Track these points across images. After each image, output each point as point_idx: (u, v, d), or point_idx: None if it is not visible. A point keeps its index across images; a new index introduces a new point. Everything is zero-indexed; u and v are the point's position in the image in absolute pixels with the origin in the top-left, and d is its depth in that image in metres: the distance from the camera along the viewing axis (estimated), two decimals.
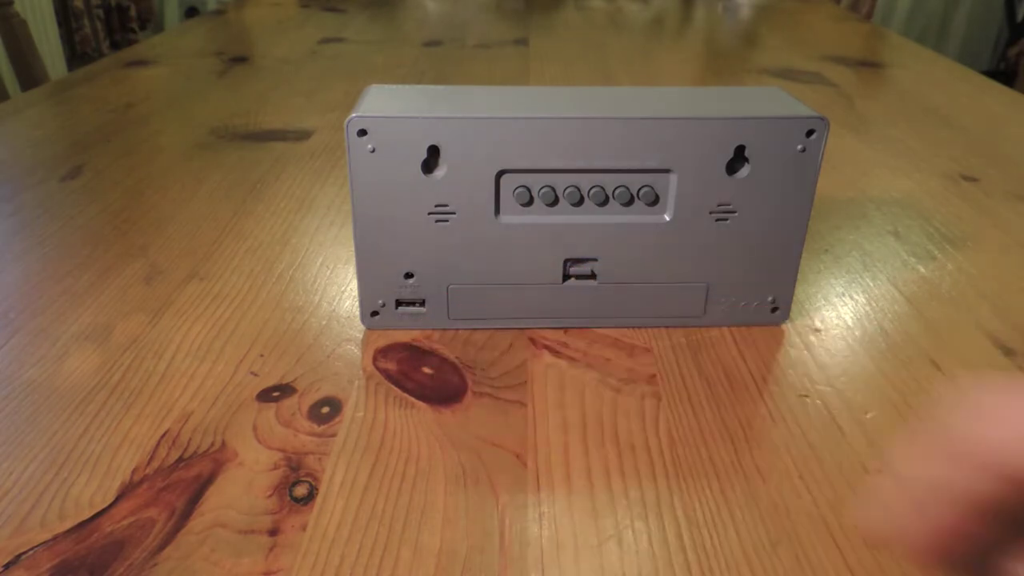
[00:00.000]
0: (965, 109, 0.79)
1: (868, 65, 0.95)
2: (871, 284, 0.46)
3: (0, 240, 0.50)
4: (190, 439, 0.33)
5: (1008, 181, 0.61)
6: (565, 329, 0.40)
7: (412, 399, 0.35)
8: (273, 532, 0.28)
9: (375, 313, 0.40)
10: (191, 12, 3.09)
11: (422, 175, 0.36)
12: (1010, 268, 0.48)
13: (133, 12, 2.91)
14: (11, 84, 1.33)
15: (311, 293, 0.44)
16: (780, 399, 0.36)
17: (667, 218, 0.38)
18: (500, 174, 0.37)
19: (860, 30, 1.17)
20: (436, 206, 0.37)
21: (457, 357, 0.38)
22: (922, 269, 0.48)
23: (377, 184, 0.37)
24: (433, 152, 0.36)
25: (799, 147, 0.37)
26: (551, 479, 0.31)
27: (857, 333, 0.41)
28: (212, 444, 0.32)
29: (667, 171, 0.37)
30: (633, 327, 0.41)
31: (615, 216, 0.38)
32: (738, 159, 0.37)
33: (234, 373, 0.37)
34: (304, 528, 0.28)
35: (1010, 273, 0.47)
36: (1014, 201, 0.57)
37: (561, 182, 0.37)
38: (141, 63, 0.93)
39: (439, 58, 0.97)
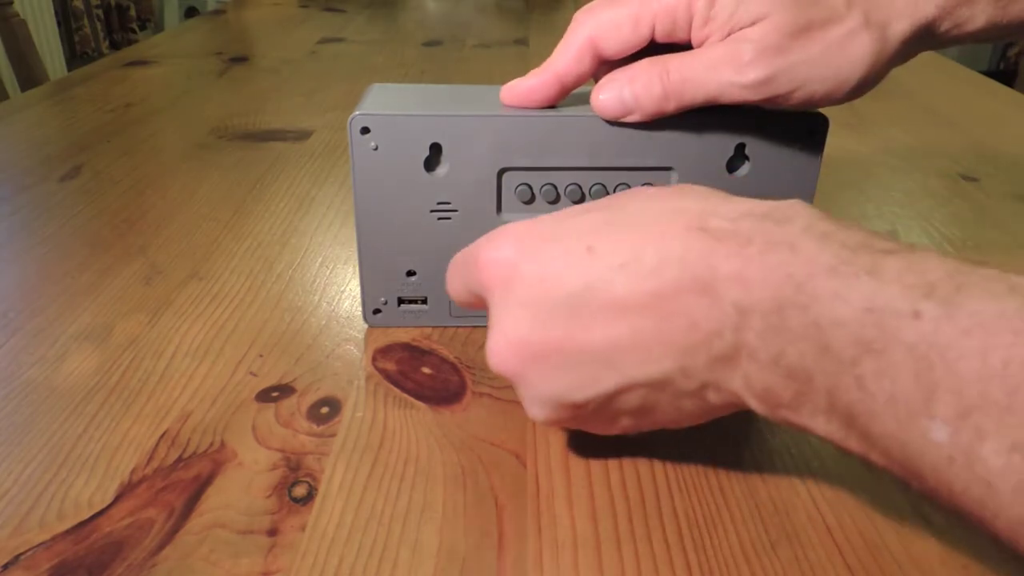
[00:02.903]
0: (965, 109, 0.79)
1: None
2: None
3: (0, 240, 0.50)
4: (189, 439, 0.33)
5: (1008, 181, 0.61)
6: None
7: (411, 399, 0.35)
8: (272, 532, 0.28)
9: (377, 311, 0.40)
10: (191, 12, 3.09)
11: (424, 173, 0.36)
12: (1010, 268, 0.48)
13: (133, 12, 2.91)
14: (11, 84, 1.33)
15: (310, 293, 0.44)
16: None
17: None
18: (502, 172, 0.37)
19: None
20: (438, 204, 0.37)
21: (457, 357, 0.38)
22: None
23: (379, 182, 0.37)
24: (435, 150, 0.36)
25: (799, 145, 0.37)
26: (550, 479, 0.31)
27: None
28: (211, 444, 0.32)
29: (668, 169, 0.37)
30: None
31: None
32: (738, 157, 0.37)
33: (233, 373, 0.37)
34: (303, 528, 0.28)
35: None
36: (1014, 201, 0.57)
37: (562, 180, 0.37)
38: (141, 63, 0.93)
39: (439, 58, 0.97)
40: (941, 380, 0.19)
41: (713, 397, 0.26)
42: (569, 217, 0.28)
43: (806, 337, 0.22)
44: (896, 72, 0.37)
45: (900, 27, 0.33)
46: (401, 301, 0.40)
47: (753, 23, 0.32)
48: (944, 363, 0.19)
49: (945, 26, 0.34)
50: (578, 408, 0.28)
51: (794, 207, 0.25)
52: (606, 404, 0.27)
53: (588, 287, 0.26)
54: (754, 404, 0.25)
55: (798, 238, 0.23)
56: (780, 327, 0.23)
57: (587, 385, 0.27)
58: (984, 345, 0.19)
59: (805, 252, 0.23)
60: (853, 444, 0.23)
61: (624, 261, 0.25)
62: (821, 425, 0.23)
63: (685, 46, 0.34)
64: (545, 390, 0.28)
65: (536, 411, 0.29)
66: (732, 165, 0.37)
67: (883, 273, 0.21)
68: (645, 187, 0.29)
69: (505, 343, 0.28)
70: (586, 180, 0.37)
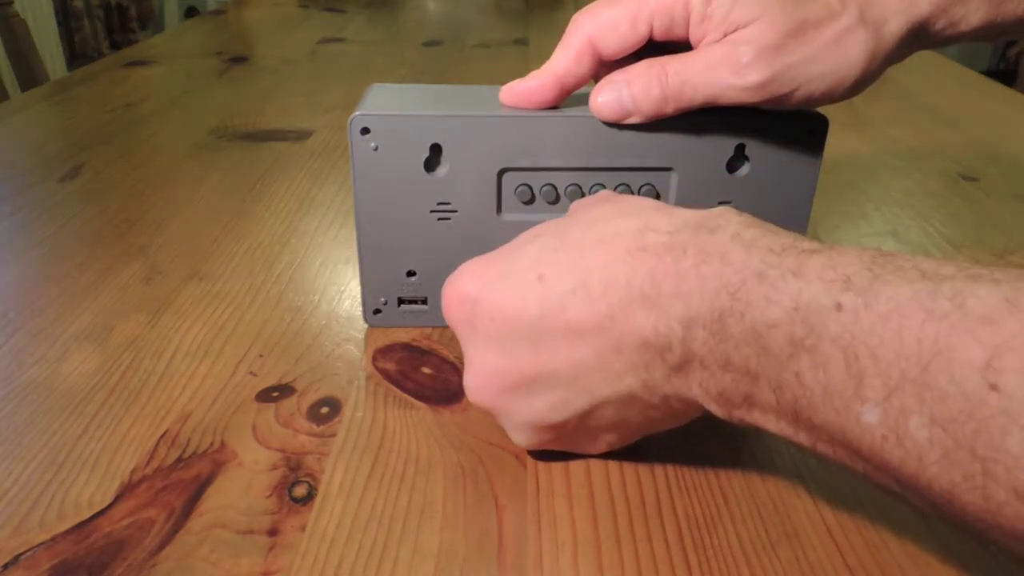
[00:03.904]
0: (965, 109, 0.79)
1: None
2: None
3: (0, 240, 0.50)
4: (189, 439, 0.33)
5: (1008, 181, 0.61)
6: None
7: (411, 399, 0.35)
8: (272, 532, 0.28)
9: (377, 311, 0.40)
10: (191, 12, 3.09)
11: (424, 173, 0.36)
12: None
13: (133, 12, 2.91)
14: (11, 84, 1.33)
15: (310, 293, 0.44)
16: None
17: None
18: (502, 172, 0.37)
19: None
20: (438, 204, 0.37)
21: (457, 357, 0.38)
22: None
23: (379, 182, 0.37)
24: (435, 150, 0.36)
25: (799, 146, 0.37)
26: (550, 479, 0.31)
27: None
28: (211, 444, 0.32)
29: (668, 169, 0.37)
30: None
31: None
32: (738, 157, 0.37)
33: (233, 373, 0.37)
34: (303, 528, 0.28)
35: None
36: (1014, 201, 0.57)
37: (562, 180, 0.37)
38: (141, 63, 0.93)
39: (439, 58, 0.97)
40: (867, 366, 0.21)
41: (677, 405, 0.27)
42: (519, 247, 0.30)
43: (747, 342, 0.23)
44: (896, 72, 0.37)
45: (895, 24, 0.33)
46: (401, 301, 0.40)
47: (749, 23, 0.32)
48: (867, 349, 0.21)
49: (940, 24, 0.35)
50: (558, 429, 0.29)
51: (724, 215, 0.27)
52: (583, 422, 0.29)
53: (543, 315, 0.27)
54: (713, 408, 0.26)
55: (727, 247, 0.25)
56: (723, 335, 0.24)
57: (560, 407, 0.28)
58: (899, 327, 0.20)
59: (735, 261, 0.24)
60: (802, 437, 0.24)
61: (573, 287, 0.27)
62: (772, 422, 0.24)
63: (684, 44, 0.34)
64: (523, 417, 0.29)
65: (519, 437, 0.30)
66: (732, 165, 0.37)
67: (806, 272, 0.23)
68: (589, 204, 0.31)
69: (478, 378, 0.29)
70: (586, 180, 0.37)
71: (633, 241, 0.26)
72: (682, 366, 0.25)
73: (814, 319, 0.22)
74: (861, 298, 0.21)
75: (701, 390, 0.25)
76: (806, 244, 0.24)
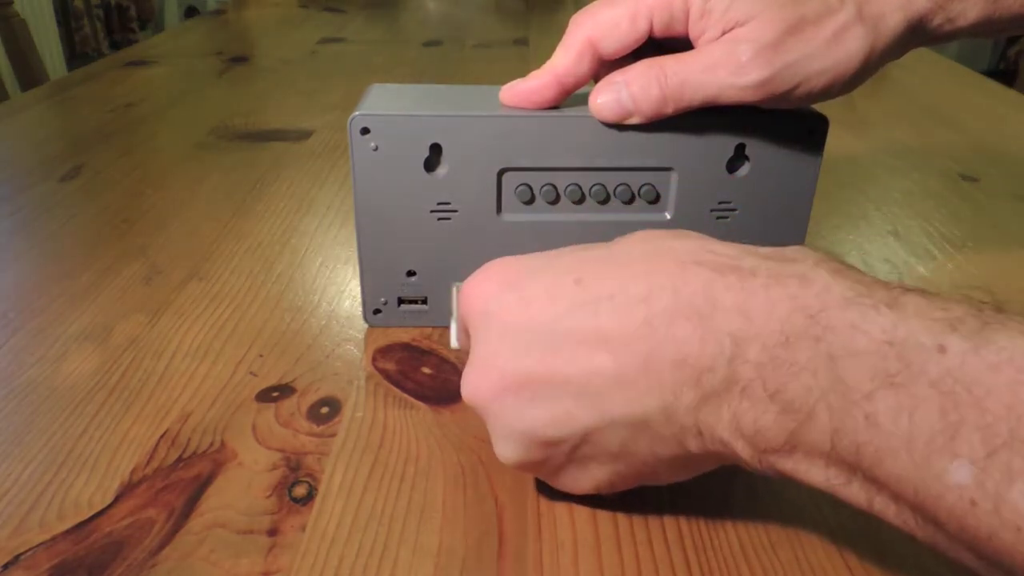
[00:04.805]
0: (965, 109, 0.79)
1: None
2: None
3: (0, 240, 0.50)
4: (189, 439, 0.33)
5: (1008, 181, 0.61)
6: None
7: (411, 399, 0.35)
8: (272, 532, 0.28)
9: (377, 311, 0.40)
10: (191, 12, 3.09)
11: (424, 173, 0.36)
12: (1010, 268, 0.48)
13: (133, 12, 2.91)
14: (11, 84, 1.33)
15: (310, 293, 0.44)
16: None
17: (668, 216, 0.38)
18: (502, 172, 0.37)
19: None
20: (438, 204, 0.37)
21: (457, 357, 0.38)
22: (922, 269, 0.48)
23: (379, 182, 0.37)
24: (435, 150, 0.36)
25: (799, 146, 0.37)
26: None
27: None
28: (211, 444, 0.32)
29: (668, 169, 0.37)
30: None
31: (616, 214, 0.38)
32: (739, 157, 0.37)
33: (233, 373, 0.37)
34: (303, 528, 0.28)
35: (1010, 273, 0.47)
36: (1014, 201, 0.57)
37: (563, 180, 0.37)
38: (141, 63, 0.93)
39: (439, 58, 0.97)
40: (967, 417, 0.19)
41: (693, 444, 0.24)
42: (556, 254, 0.28)
43: (814, 371, 0.21)
44: (896, 71, 0.37)
45: (893, 20, 0.34)
46: (401, 301, 0.40)
47: (748, 20, 0.32)
48: (971, 399, 0.19)
49: (938, 20, 0.35)
50: (550, 448, 0.26)
51: (802, 249, 0.24)
52: (580, 446, 0.26)
53: (571, 315, 0.25)
54: (740, 446, 0.23)
55: (810, 271, 0.23)
56: (785, 359, 0.22)
57: (561, 421, 0.25)
58: (1013, 381, 0.18)
59: (818, 283, 0.22)
60: (855, 491, 0.22)
61: (612, 293, 0.24)
62: (818, 470, 0.22)
63: (683, 41, 0.34)
64: (517, 425, 0.26)
65: (505, 449, 0.27)
66: (732, 165, 0.37)
67: (903, 307, 0.21)
68: (640, 231, 0.28)
69: (480, 372, 0.27)
70: (586, 180, 0.37)
71: (688, 255, 0.24)
72: (719, 392, 0.23)
73: (911, 356, 0.20)
74: (969, 343, 0.19)
75: (732, 425, 0.23)
76: (896, 284, 0.22)
